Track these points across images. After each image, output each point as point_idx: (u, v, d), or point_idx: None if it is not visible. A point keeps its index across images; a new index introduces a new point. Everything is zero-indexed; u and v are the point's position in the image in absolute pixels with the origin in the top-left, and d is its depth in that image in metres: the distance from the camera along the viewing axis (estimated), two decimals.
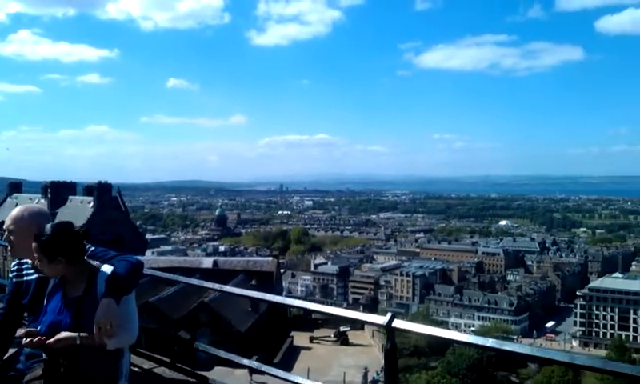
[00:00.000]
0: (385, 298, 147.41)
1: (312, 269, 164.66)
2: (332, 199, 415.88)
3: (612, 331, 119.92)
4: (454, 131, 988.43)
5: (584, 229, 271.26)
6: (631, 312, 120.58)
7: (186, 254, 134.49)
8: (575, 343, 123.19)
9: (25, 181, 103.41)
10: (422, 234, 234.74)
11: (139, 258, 3.88)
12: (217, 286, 4.67)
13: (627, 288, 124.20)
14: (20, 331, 3.81)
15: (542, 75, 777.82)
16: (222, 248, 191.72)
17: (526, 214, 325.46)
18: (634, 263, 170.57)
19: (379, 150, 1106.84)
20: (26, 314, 4.18)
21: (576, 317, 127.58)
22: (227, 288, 4.93)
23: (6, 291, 4.26)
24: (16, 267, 4.22)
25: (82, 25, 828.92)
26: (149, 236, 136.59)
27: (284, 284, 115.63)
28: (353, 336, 26.96)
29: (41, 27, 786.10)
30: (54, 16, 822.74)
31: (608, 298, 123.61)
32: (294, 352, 24.57)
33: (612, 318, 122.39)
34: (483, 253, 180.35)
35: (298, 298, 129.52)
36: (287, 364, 21.93)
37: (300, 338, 25.95)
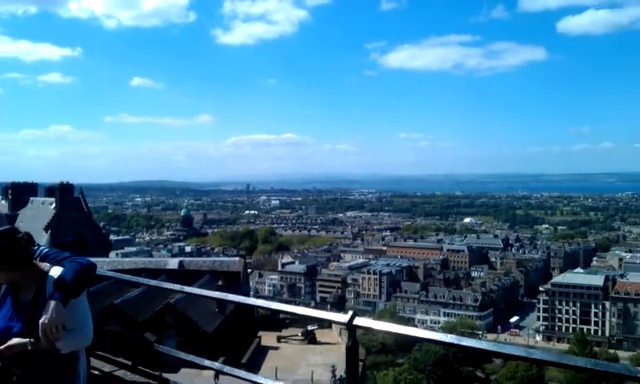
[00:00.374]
0: (352, 296, 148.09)
1: (279, 268, 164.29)
2: (299, 198, 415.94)
3: (574, 325, 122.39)
4: (419, 130, 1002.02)
5: (546, 225, 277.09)
6: (592, 306, 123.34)
7: (151, 255, 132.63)
8: (539, 338, 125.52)
9: None
10: (388, 233, 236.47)
11: (91, 259, 3.79)
12: (177, 286, 4.59)
13: (588, 283, 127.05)
14: None
15: (504, 75, 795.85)
16: (188, 248, 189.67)
17: (489, 211, 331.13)
18: (595, 258, 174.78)
19: (346, 149, 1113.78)
20: None
21: (539, 312, 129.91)
22: (188, 289, 4.86)
23: None
24: None
25: (44, 23, 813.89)
26: (113, 237, 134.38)
27: (251, 284, 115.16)
28: (320, 334, 27.03)
29: (0, 25, 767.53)
30: (14, 14, 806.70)
31: (570, 292, 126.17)
32: (261, 352, 24.54)
33: (574, 313, 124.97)
34: (448, 250, 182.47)
35: (266, 297, 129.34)
36: (255, 364, 21.87)
37: (268, 338, 25.94)
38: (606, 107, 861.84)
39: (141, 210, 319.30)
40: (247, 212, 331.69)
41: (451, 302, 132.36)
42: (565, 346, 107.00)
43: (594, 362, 2.95)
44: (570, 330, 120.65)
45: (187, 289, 4.84)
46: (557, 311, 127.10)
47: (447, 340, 3.40)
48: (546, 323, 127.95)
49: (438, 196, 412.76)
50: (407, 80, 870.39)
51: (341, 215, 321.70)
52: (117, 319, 22.45)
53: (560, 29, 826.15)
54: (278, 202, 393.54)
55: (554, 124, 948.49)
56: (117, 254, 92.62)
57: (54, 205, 59.70)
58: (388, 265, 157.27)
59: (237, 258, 37.21)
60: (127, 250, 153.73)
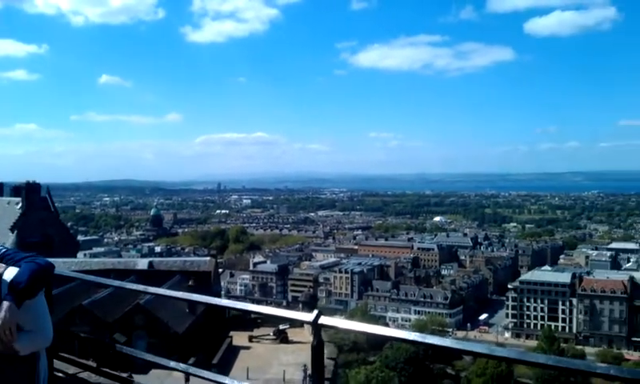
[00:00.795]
0: (324, 295, 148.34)
1: (251, 268, 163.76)
2: (270, 198, 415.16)
3: (542, 322, 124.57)
4: (389, 130, 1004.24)
5: (514, 224, 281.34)
6: (560, 303, 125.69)
7: (120, 256, 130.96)
8: (508, 334, 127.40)
9: None
10: (359, 232, 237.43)
11: (51, 260, 3.71)
12: (141, 287, 4.54)
13: (556, 280, 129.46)
14: None
15: (473, 75, 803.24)
16: (157, 249, 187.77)
17: (458, 210, 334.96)
18: (562, 256, 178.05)
19: (318, 149, 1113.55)
20: None
21: (508, 309, 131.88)
22: (152, 289, 4.80)
23: None
24: None
25: (9, 19, 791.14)
26: (80, 237, 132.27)
27: (222, 284, 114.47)
28: (292, 333, 26.97)
29: None
30: None
31: (538, 290, 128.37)
32: (233, 352, 24.42)
33: (542, 310, 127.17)
34: (419, 248, 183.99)
35: (237, 297, 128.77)
36: (226, 364, 21.75)
37: (239, 338, 25.81)
38: (572, 107, 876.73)
39: (109, 210, 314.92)
40: (218, 211, 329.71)
41: (422, 300, 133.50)
42: (533, 343, 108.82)
43: (555, 358, 2.99)
44: (538, 327, 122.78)
45: (151, 289, 4.78)
46: (525, 308, 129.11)
47: (411, 338, 3.43)
48: (515, 320, 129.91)
49: (409, 195, 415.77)
50: (377, 80, 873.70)
51: (312, 214, 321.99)
52: (85, 320, 22.14)
53: (527, 30, 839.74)
54: (249, 201, 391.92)
55: (522, 124, 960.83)
56: (85, 255, 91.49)
57: (20, 204, 58.47)
58: (359, 264, 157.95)
59: (208, 258, 36.97)
60: (95, 250, 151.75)
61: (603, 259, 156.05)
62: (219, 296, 34.14)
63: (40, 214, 57.78)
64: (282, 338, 26.19)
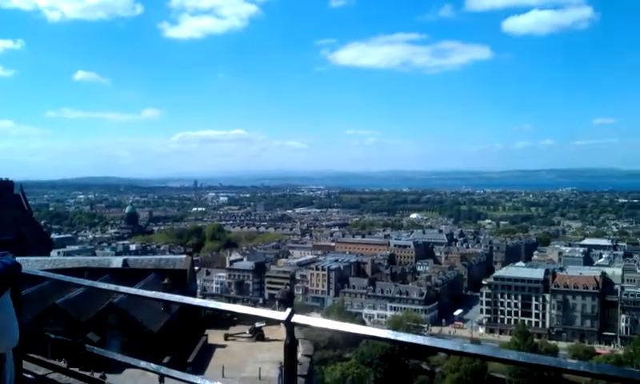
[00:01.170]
0: (301, 292, 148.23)
1: (227, 265, 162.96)
2: (247, 195, 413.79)
3: (516, 318, 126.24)
4: (366, 127, 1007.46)
5: (489, 221, 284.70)
6: (533, 299, 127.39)
7: (95, 254, 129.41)
8: (482, 330, 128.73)
9: None
10: (336, 229, 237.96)
11: (18, 259, 3.65)
12: (113, 287, 4.48)
13: (529, 276, 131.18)
14: None
15: (451, 73, 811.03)
16: (132, 247, 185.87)
17: (434, 207, 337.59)
18: (535, 253, 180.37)
19: (296, 146, 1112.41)
20: None
21: (482, 305, 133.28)
22: (123, 289, 4.74)
23: None
24: None
25: None
26: (54, 235, 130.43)
27: (199, 282, 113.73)
28: (269, 331, 26.82)
29: None
30: None
31: (512, 286, 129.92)
32: (208, 350, 24.22)
33: (516, 305, 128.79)
34: (395, 245, 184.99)
35: (213, 295, 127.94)
36: (201, 363, 21.61)
37: (215, 336, 25.61)
38: (548, 106, 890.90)
39: (83, 208, 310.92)
40: (195, 209, 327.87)
41: (398, 296, 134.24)
42: (507, 338, 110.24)
43: (526, 355, 3.00)
44: (512, 322, 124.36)
45: (123, 289, 4.72)
46: (499, 304, 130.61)
47: (383, 335, 3.43)
48: (489, 316, 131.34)
49: (386, 192, 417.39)
50: (356, 77, 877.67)
51: (289, 212, 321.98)
52: (59, 320, 21.79)
53: (505, 28, 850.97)
54: (226, 198, 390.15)
55: (498, 122, 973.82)
56: (58, 253, 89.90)
57: None
58: (336, 261, 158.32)
59: (183, 256, 36.65)
60: (69, 248, 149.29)
61: (576, 255, 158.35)
62: (195, 294, 33.96)
63: (13, 212, 56.89)
64: (258, 335, 26.02)
